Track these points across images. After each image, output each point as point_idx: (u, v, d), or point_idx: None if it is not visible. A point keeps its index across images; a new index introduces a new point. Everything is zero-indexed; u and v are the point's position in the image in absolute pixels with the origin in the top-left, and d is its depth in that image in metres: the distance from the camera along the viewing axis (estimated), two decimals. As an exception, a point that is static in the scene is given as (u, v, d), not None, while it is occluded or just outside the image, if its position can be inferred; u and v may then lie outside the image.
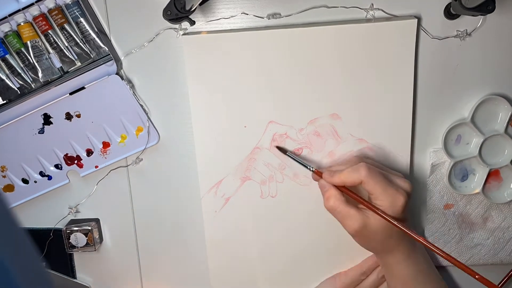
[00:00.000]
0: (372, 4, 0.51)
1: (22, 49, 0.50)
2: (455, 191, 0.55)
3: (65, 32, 0.50)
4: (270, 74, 0.51)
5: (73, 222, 0.57)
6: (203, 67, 0.51)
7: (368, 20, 0.51)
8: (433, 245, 0.44)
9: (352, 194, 0.48)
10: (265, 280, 0.59)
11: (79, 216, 0.58)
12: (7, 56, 0.50)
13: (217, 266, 0.58)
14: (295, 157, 0.52)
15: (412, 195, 0.48)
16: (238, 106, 0.52)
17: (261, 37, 0.50)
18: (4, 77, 0.51)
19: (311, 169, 0.51)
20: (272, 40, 0.50)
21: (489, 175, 0.55)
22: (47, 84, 0.52)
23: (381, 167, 0.50)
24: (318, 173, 0.50)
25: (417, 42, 0.51)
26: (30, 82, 0.52)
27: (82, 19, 0.50)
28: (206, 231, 0.56)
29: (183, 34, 0.51)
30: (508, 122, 0.53)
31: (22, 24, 0.49)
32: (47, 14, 0.50)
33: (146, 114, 0.54)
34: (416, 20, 0.50)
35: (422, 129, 0.55)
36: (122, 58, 0.52)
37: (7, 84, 0.52)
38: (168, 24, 0.49)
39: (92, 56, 0.51)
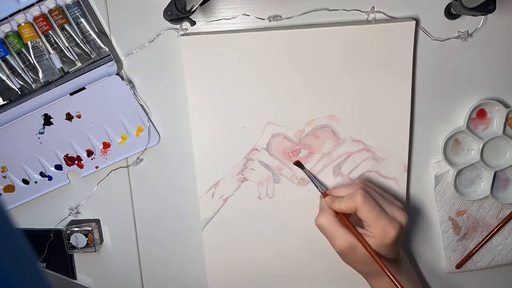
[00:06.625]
0: (373, 7, 0.50)
1: (23, 49, 0.50)
2: (464, 198, 0.55)
3: (65, 32, 0.50)
4: (268, 75, 0.51)
5: (74, 222, 0.57)
6: (201, 68, 0.51)
7: (367, 22, 0.51)
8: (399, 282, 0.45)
9: (344, 220, 0.48)
10: (263, 281, 0.59)
11: (80, 217, 0.58)
12: (8, 56, 0.50)
13: (214, 267, 0.58)
14: (311, 176, 0.53)
15: (408, 224, 0.48)
16: (236, 107, 0.52)
17: (259, 39, 0.50)
18: (4, 78, 0.51)
19: (320, 191, 0.52)
20: (270, 42, 0.50)
21: (495, 176, 0.55)
22: (47, 85, 0.52)
23: (382, 194, 0.50)
24: (324, 195, 0.51)
25: (417, 44, 0.51)
26: (30, 82, 0.52)
27: (82, 20, 0.50)
28: (203, 233, 0.56)
29: (182, 35, 0.51)
30: (505, 123, 0.53)
31: (22, 24, 0.49)
32: (48, 14, 0.50)
33: (147, 114, 0.54)
34: (415, 22, 0.50)
35: (420, 141, 0.55)
36: (122, 59, 0.52)
37: (8, 85, 0.52)
38: (169, 24, 0.49)
39: (92, 56, 0.51)
